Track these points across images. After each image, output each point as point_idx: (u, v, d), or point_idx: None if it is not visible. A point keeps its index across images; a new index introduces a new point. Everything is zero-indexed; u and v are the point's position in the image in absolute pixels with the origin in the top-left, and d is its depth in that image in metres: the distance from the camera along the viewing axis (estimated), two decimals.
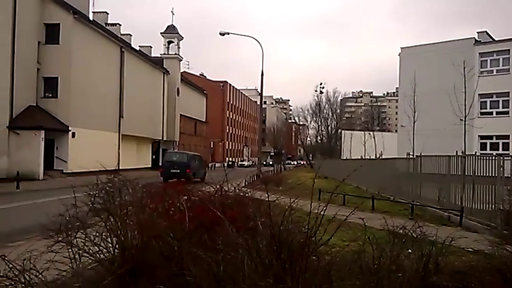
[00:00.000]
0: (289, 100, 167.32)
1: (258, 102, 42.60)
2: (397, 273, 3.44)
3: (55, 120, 29.80)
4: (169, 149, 50.88)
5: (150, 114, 44.91)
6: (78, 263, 3.82)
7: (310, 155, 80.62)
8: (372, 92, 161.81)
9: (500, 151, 28.94)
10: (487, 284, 3.91)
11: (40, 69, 29.86)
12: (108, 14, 42.79)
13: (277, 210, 3.61)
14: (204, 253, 3.17)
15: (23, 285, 3.33)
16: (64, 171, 29.66)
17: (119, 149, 37.34)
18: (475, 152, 17.10)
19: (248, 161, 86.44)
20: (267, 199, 3.60)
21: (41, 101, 30.00)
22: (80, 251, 3.87)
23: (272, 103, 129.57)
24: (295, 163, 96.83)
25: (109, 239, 4.06)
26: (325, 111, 79.67)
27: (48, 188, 21.42)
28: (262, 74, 31.63)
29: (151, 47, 51.80)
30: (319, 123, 79.92)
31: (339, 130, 77.16)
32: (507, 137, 30.38)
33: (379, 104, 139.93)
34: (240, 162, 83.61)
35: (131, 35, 45.43)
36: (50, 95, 30.39)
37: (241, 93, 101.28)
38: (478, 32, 35.38)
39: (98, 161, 5.27)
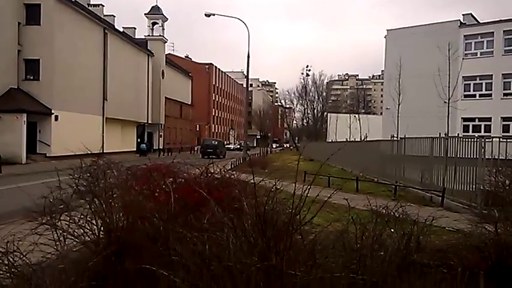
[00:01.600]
0: (275, 83, 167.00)
1: (244, 85, 42.42)
2: (380, 251, 3.52)
3: (37, 103, 29.28)
4: (154, 132, 51.19)
5: (134, 97, 44.40)
6: (63, 245, 3.80)
7: (296, 138, 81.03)
8: (357, 75, 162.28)
9: (482, 133, 29.46)
10: (466, 261, 4.01)
11: (21, 51, 29.20)
12: None
13: (263, 192, 3.64)
14: (189, 233, 3.19)
15: (7, 267, 3.32)
16: (47, 154, 29.29)
17: (103, 132, 36.96)
18: (458, 134, 17.37)
19: (235, 144, 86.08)
20: (252, 181, 3.62)
21: (22, 83, 29.40)
22: (65, 233, 3.85)
23: (258, 86, 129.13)
24: (280, 146, 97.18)
25: (94, 221, 4.04)
26: (311, 94, 79.79)
27: (31, 171, 21.17)
28: (248, 57, 31.44)
29: (135, 29, 50.90)
30: (305, 106, 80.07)
31: (325, 113, 77.47)
32: (489, 119, 30.93)
33: (364, 86, 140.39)
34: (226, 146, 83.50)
35: (114, 16, 44.51)
36: (32, 78, 29.79)
37: (227, 75, 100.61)
38: (463, 15, 35.67)
39: (82, 144, 5.22)
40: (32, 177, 16.52)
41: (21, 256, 3.43)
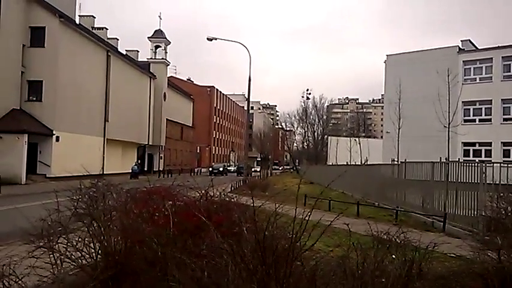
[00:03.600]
0: (276, 106, 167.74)
1: (245, 108, 42.63)
2: (381, 278, 3.46)
3: (39, 124, 29.38)
4: (154, 154, 51.41)
5: (136, 118, 44.59)
6: (60, 268, 3.76)
7: (297, 161, 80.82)
8: (357, 99, 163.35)
9: (483, 158, 29.45)
10: None
11: (24, 72, 29.47)
12: (94, 17, 42.49)
13: (263, 216, 3.61)
14: (188, 258, 3.15)
15: None
16: (47, 175, 29.20)
17: (103, 153, 36.96)
18: (458, 159, 17.36)
19: (235, 165, 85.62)
20: (252, 204, 3.59)
21: (24, 104, 29.58)
22: (62, 257, 3.81)
23: (259, 108, 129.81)
24: (281, 168, 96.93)
25: (92, 245, 4.01)
26: (311, 117, 79.93)
27: (30, 192, 21.07)
28: (249, 80, 31.71)
29: (138, 52, 51.60)
30: (306, 129, 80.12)
31: (325, 136, 77.54)
32: (489, 144, 30.94)
33: (364, 110, 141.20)
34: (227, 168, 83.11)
35: (118, 39, 45.17)
36: (34, 99, 29.98)
37: (229, 98, 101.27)
38: (461, 41, 36.09)
39: (82, 165, 5.21)
40: (31, 198, 16.44)
41: (17, 280, 3.38)
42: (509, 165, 10.59)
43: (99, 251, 3.97)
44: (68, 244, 3.91)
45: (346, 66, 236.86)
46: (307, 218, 3.17)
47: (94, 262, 3.92)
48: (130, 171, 38.77)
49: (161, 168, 50.89)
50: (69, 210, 4.33)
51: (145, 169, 48.20)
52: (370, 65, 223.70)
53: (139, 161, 40.82)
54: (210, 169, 60.62)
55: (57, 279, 3.65)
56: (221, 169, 60.95)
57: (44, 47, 29.78)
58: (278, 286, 2.74)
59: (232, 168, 72.85)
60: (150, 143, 48.93)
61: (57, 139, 30.10)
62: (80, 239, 4.01)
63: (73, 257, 3.87)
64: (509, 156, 29.34)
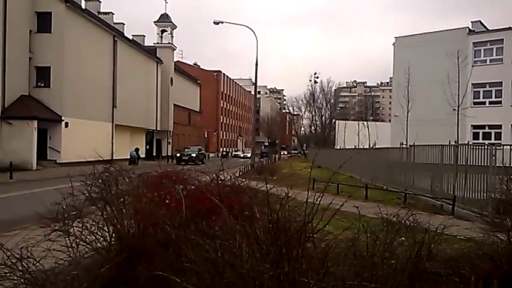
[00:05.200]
0: (283, 90, 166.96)
1: (252, 92, 42.52)
2: (391, 259, 3.51)
3: (48, 110, 29.61)
4: (163, 139, 51.60)
5: (143, 104, 44.72)
6: (75, 251, 3.83)
7: (304, 145, 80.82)
8: (365, 82, 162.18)
9: (493, 140, 29.21)
10: (478, 270, 3.98)
11: (32, 58, 29.59)
12: (100, 2, 42.31)
13: (273, 199, 3.65)
14: (201, 240, 3.21)
15: (21, 273, 3.35)
16: (57, 161, 29.56)
17: (112, 138, 37.21)
18: (468, 142, 17.23)
19: (243, 151, 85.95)
20: (262, 188, 3.63)
21: (33, 90, 29.77)
22: (77, 240, 3.89)
23: (266, 93, 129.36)
24: (287, 153, 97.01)
25: (105, 228, 4.08)
26: (319, 101, 79.58)
27: (41, 178, 21.37)
28: (256, 64, 31.56)
29: (144, 36, 51.41)
30: (313, 113, 79.86)
31: (333, 120, 77.25)
32: (499, 126, 30.66)
33: (373, 94, 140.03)
34: (234, 153, 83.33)
35: (124, 24, 45.02)
36: (43, 85, 30.15)
37: (236, 83, 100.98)
38: (472, 22, 35.52)
39: (94, 150, 5.28)
40: (44, 183, 16.71)
41: (35, 262, 3.46)
42: None
43: (113, 234, 4.04)
44: (83, 227, 3.98)
45: (354, 49, 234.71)
46: (318, 202, 3.21)
47: (108, 245, 3.99)
48: (129, 157, 36.90)
49: (169, 154, 51.19)
50: (82, 194, 4.40)
51: (154, 154, 48.51)
52: (379, 47, 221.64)
53: (138, 147, 40.17)
54: (178, 155, 44.16)
55: (73, 262, 3.73)
56: (193, 155, 43.07)
57: (51, 32, 29.83)
58: (291, 266, 2.79)
59: (241, 154, 71.16)
60: (158, 129, 49.14)
61: (66, 125, 30.35)
62: (94, 223, 4.08)
63: (88, 240, 3.94)
64: None
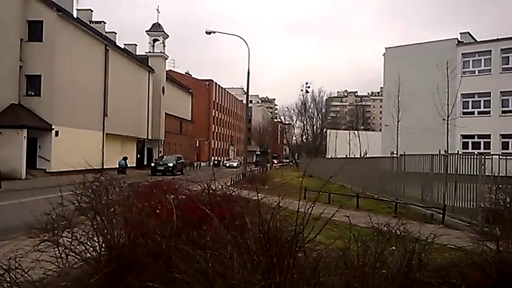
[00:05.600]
0: (275, 99, 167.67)
1: (244, 101, 42.60)
2: (382, 269, 3.52)
3: (38, 119, 29.35)
4: (154, 148, 51.26)
5: (135, 112, 44.55)
6: (65, 262, 3.80)
7: (296, 154, 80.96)
8: (356, 92, 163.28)
9: (482, 150, 29.53)
10: (468, 279, 4.01)
11: (22, 66, 29.38)
12: (92, 11, 42.33)
13: (264, 209, 3.65)
14: (192, 250, 3.20)
15: (8, 284, 3.31)
16: (47, 170, 29.24)
17: (103, 147, 36.96)
18: (457, 151, 17.42)
19: (234, 160, 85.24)
20: (253, 197, 3.63)
21: (23, 99, 29.52)
22: (66, 250, 3.85)
23: (258, 102, 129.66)
24: (279, 162, 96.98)
25: (95, 238, 4.05)
26: (310, 110, 79.82)
27: (31, 187, 21.11)
28: (248, 73, 31.65)
29: (136, 45, 51.41)
30: (305, 122, 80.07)
31: (324, 129, 77.54)
32: (488, 136, 31.02)
33: (363, 103, 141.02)
34: (225, 162, 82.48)
35: (116, 33, 45.01)
36: (33, 93, 29.91)
37: (227, 92, 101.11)
38: (460, 33, 36.02)
39: (84, 159, 5.24)
40: (33, 192, 16.49)
41: (23, 273, 3.43)
42: (508, 157, 10.64)
43: (103, 245, 4.01)
44: (72, 238, 3.95)
45: (345, 59, 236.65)
46: (309, 211, 3.21)
47: (98, 255, 3.96)
48: (117, 166, 35.63)
49: None
50: (72, 204, 4.36)
51: (145, 163, 48.25)
52: (370, 58, 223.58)
53: (126, 156, 38.68)
54: (152, 165, 39.76)
55: (62, 273, 3.69)
56: (170, 165, 38.08)
57: (42, 41, 29.67)
58: (282, 276, 2.79)
59: (234, 164, 68.07)
60: (149, 137, 48.92)
61: (57, 134, 30.09)
62: (83, 233, 4.05)
63: (77, 250, 3.91)
64: (508, 148, 29.43)
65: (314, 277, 2.97)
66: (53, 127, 29.76)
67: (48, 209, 4.16)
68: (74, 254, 3.88)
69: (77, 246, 3.94)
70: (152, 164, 38.87)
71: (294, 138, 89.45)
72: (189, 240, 3.53)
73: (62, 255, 3.82)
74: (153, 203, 4.59)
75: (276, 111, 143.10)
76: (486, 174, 9.93)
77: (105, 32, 41.82)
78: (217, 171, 6.13)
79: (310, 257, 3.24)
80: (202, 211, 3.70)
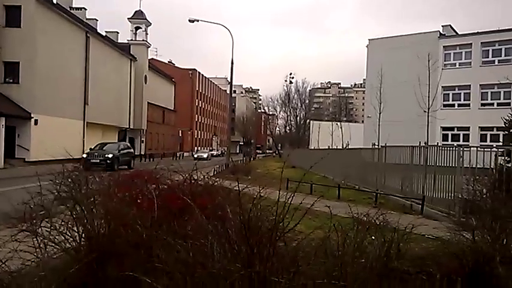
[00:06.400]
0: (259, 90, 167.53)
1: (228, 91, 42.46)
2: (361, 258, 3.57)
3: (16, 107, 28.74)
4: (136, 137, 50.44)
5: (116, 101, 43.98)
6: (43, 252, 3.75)
7: (279, 145, 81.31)
8: (340, 83, 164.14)
9: (461, 142, 30.12)
10: (444, 268, 4.11)
11: (0, 53, 28.64)
12: None
13: (246, 199, 3.66)
14: (173, 240, 3.19)
15: None
16: (26, 159, 28.72)
17: (83, 137, 36.46)
18: (437, 143, 17.72)
19: (204, 150, 77.33)
20: (235, 188, 3.64)
21: (1, 86, 28.92)
22: (45, 240, 3.80)
23: (242, 92, 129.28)
24: (262, 152, 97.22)
25: (75, 228, 4.00)
26: (294, 101, 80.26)
27: (9, 176, 20.69)
28: (232, 63, 31.54)
29: (118, 33, 50.50)
30: (288, 113, 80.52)
31: (308, 120, 77.98)
32: (467, 128, 31.64)
33: (346, 95, 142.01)
34: (194, 153, 66.94)
35: (97, 20, 44.11)
36: (11, 81, 29.28)
37: (211, 81, 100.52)
38: (442, 26, 36.47)
39: (64, 148, 5.16)
40: (11, 182, 16.17)
41: (0, 264, 3.37)
42: (485, 149, 10.87)
43: (83, 235, 3.97)
44: (51, 228, 3.89)
45: (329, 50, 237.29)
46: (289, 201, 3.24)
47: (78, 245, 3.92)
48: None
49: (143, 153, 50.52)
50: (51, 193, 4.30)
51: None
52: (353, 49, 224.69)
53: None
54: (85, 155, 27.21)
55: (40, 263, 3.65)
56: (109, 156, 27.36)
57: (20, 27, 28.98)
58: (262, 265, 2.81)
59: (204, 155, 57.58)
60: (131, 127, 48.42)
61: (36, 122, 29.53)
62: (63, 223, 3.99)
63: (56, 240, 3.85)
64: (486, 141, 30.06)
65: (294, 266, 3.00)
66: (32, 115, 29.19)
67: (26, 199, 4.10)
68: (53, 244, 3.83)
69: (56, 236, 3.89)
70: (84, 155, 27.25)
71: (277, 129, 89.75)
72: (170, 230, 3.52)
73: (41, 245, 3.77)
74: (134, 192, 4.55)
75: (260, 102, 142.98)
76: (464, 166, 10.13)
77: (86, 19, 40.96)
78: (198, 161, 6.12)
79: (290, 246, 3.27)
80: (183, 201, 3.70)
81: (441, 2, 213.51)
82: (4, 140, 26.94)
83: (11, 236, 3.77)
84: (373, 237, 4.07)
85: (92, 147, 29.67)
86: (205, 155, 58.34)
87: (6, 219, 3.88)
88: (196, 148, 79.83)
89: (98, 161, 26.60)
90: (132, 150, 33.69)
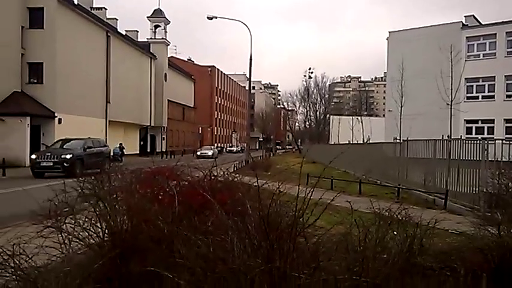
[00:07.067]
0: (277, 85, 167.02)
1: (247, 88, 42.47)
2: (382, 254, 3.53)
3: (41, 106, 29.40)
4: (157, 135, 50.85)
5: (137, 99, 44.53)
6: (68, 248, 3.83)
7: (299, 140, 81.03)
8: (360, 77, 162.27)
9: (486, 135, 29.42)
10: (469, 263, 4.03)
11: (24, 54, 29.32)
12: None
13: (266, 194, 3.66)
14: (194, 235, 3.22)
15: (13, 269, 3.35)
16: None
17: (106, 135, 37.05)
18: (461, 136, 17.34)
19: (237, 146, 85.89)
20: (255, 183, 3.64)
21: (25, 86, 29.53)
22: (70, 236, 3.88)
23: (261, 88, 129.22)
24: (281, 148, 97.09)
25: (98, 224, 4.08)
26: (313, 96, 79.86)
27: None
28: (250, 59, 31.52)
29: (137, 32, 51.13)
30: (308, 108, 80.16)
31: (327, 115, 77.43)
32: (492, 121, 30.85)
33: (367, 88, 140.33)
34: (228, 148, 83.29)
35: (117, 19, 44.71)
36: (35, 81, 29.94)
37: (230, 78, 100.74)
38: (465, 16, 35.61)
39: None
40: (36, 180, 16.60)
41: (27, 259, 3.46)
42: (511, 142, 10.61)
43: (106, 230, 4.04)
44: (75, 224, 3.98)
45: (348, 44, 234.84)
46: (309, 196, 3.22)
47: (101, 241, 3.99)
48: (111, 153, 29.93)
49: (164, 150, 51.07)
50: (75, 190, 4.39)
51: (148, 150, 48.40)
52: (373, 42, 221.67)
53: (121, 143, 36.33)
54: (33, 157, 21.03)
55: (65, 258, 3.73)
56: (67, 157, 20.15)
57: (43, 28, 29.56)
58: (282, 261, 2.81)
59: (209, 152, 50.38)
60: (152, 124, 48.97)
61: (60, 121, 30.17)
62: (86, 219, 4.07)
63: (81, 236, 3.94)
64: (511, 134, 29.29)
65: (314, 261, 2.99)
66: (55, 114, 29.83)
67: (51, 196, 4.19)
68: (77, 240, 3.91)
69: (80, 232, 3.97)
70: (33, 156, 21.06)
71: (297, 124, 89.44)
72: (191, 226, 3.55)
73: (66, 241, 3.86)
74: (155, 189, 4.61)
75: (279, 97, 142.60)
76: (489, 159, 9.91)
77: (106, 19, 41.57)
78: (217, 157, 6.13)
79: (311, 242, 3.26)
80: (203, 197, 3.72)
81: None
82: (30, 138, 27.60)
83: (37, 232, 3.86)
84: (395, 233, 4.01)
85: (49, 145, 23.68)
86: (210, 152, 49.98)
87: (32, 216, 3.97)
88: (216, 144, 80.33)
89: (51, 163, 19.93)
90: (107, 148, 26.12)
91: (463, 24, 34.01)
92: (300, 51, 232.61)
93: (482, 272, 3.79)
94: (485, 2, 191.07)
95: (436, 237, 4.87)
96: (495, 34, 31.66)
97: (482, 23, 35.21)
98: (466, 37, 32.80)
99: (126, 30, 47.61)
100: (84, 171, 16.08)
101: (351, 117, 57.76)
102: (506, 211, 4.70)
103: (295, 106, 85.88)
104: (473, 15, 36.32)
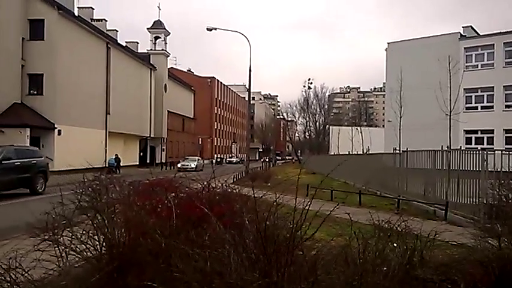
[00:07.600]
0: (277, 96, 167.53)
1: (246, 98, 42.51)
2: (382, 266, 3.50)
3: (40, 118, 29.44)
4: (156, 146, 50.86)
5: (137, 110, 44.60)
6: (65, 261, 3.80)
7: (299, 151, 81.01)
8: (359, 88, 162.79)
9: (485, 145, 29.40)
10: (469, 276, 3.99)
11: (24, 65, 29.45)
12: (93, 9, 42.36)
13: (264, 206, 3.64)
14: (191, 249, 3.19)
15: (9, 283, 3.32)
16: (50, 169, 29.27)
17: (105, 146, 37.04)
18: (460, 147, 17.36)
19: (237, 157, 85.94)
20: (253, 195, 3.62)
21: (26, 98, 29.61)
22: (67, 249, 3.85)
23: (260, 99, 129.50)
24: (281, 158, 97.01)
25: (96, 237, 4.05)
26: (313, 106, 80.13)
27: None
28: (250, 70, 31.60)
29: (137, 43, 51.43)
30: (307, 119, 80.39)
31: (327, 126, 77.61)
32: (491, 131, 30.86)
33: (366, 99, 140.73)
34: (228, 159, 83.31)
35: (117, 31, 45.02)
36: (35, 92, 30.02)
37: (229, 89, 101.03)
38: (463, 27, 35.88)
39: (85, 158, 5.25)
40: None
41: (23, 272, 3.43)
42: (510, 152, 10.59)
43: (104, 244, 4.01)
44: (73, 237, 3.95)
45: (347, 54, 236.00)
46: (307, 208, 3.20)
47: (99, 254, 3.95)
48: (107, 165, 30.27)
49: (163, 161, 51.00)
50: (73, 203, 4.37)
51: (148, 161, 48.34)
52: (372, 53, 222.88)
53: (117, 154, 36.16)
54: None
55: (62, 272, 3.70)
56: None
57: (44, 39, 29.73)
58: (279, 275, 2.78)
59: (192, 164, 43.82)
60: (152, 135, 48.99)
61: (59, 132, 30.17)
62: (84, 232, 4.04)
63: (78, 249, 3.90)
64: (511, 144, 29.30)
65: (312, 275, 2.96)
66: (55, 126, 29.85)
67: (48, 209, 4.17)
68: (74, 253, 3.88)
69: (78, 245, 3.94)
70: None
71: (296, 135, 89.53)
72: (188, 239, 3.52)
73: (63, 255, 3.83)
74: (154, 201, 4.58)
75: (279, 108, 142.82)
76: (489, 169, 9.88)
77: (107, 30, 41.83)
78: (218, 168, 6.12)
79: (309, 255, 3.23)
80: (201, 210, 3.70)
81: (460, 4, 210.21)
82: None
83: (34, 246, 3.83)
84: (395, 245, 3.98)
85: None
86: (193, 164, 43.59)
87: (29, 229, 3.95)
88: (215, 155, 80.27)
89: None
90: (42, 160, 19.40)
91: (461, 35, 34.23)
92: (300, 62, 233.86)
93: (482, 285, 3.75)
94: (484, 13, 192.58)
95: (437, 249, 4.83)
96: (493, 44, 31.84)
97: (480, 34, 35.43)
98: (464, 48, 32.99)
99: (126, 42, 47.91)
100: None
101: (350, 127, 57.85)
102: (506, 222, 4.67)
103: (295, 117, 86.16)
104: (471, 26, 36.58)
